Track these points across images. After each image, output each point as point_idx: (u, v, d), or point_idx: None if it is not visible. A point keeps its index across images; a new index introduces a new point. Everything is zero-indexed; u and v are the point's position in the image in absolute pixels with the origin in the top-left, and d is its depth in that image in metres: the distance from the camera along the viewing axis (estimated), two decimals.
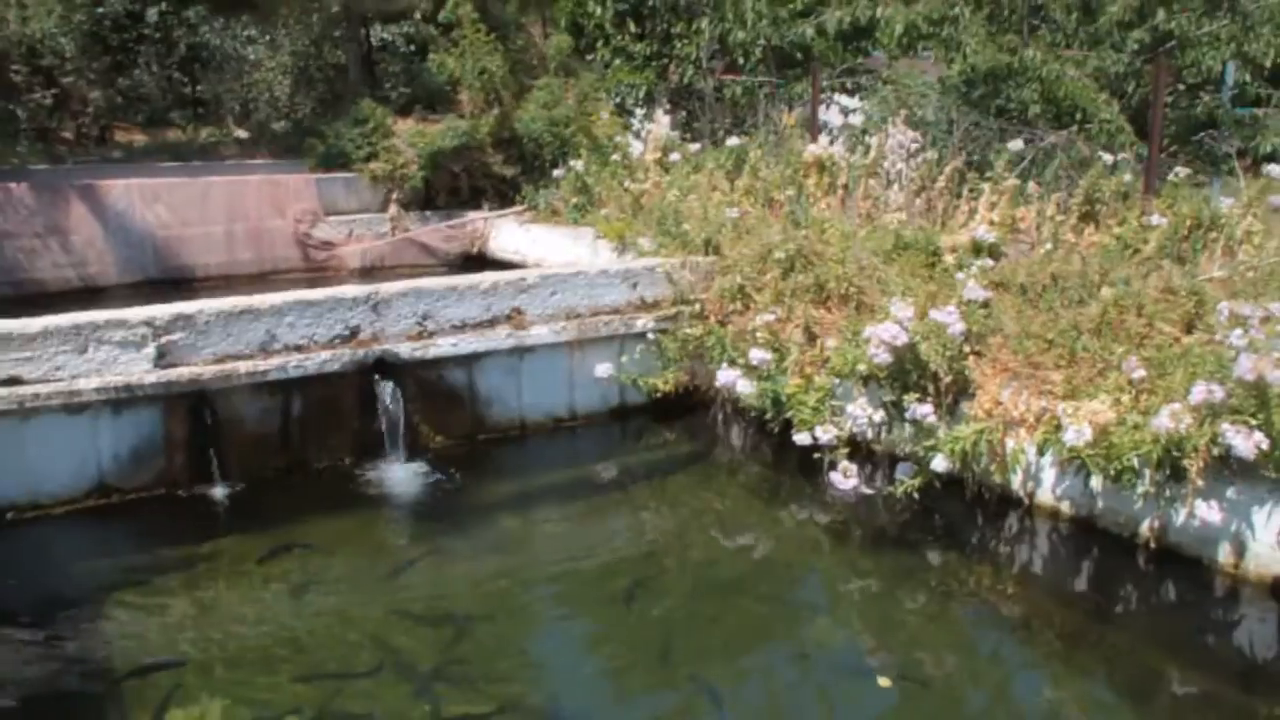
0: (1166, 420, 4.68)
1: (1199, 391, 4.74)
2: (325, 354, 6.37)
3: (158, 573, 5.31)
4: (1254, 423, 4.54)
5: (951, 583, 5.46)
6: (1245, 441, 4.40)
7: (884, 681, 4.43)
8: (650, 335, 7.40)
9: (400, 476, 6.49)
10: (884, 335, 5.72)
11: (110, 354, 5.87)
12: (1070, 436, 5.01)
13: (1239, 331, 4.77)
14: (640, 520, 6.34)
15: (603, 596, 5.30)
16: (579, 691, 4.50)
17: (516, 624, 4.99)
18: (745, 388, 6.46)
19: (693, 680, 4.43)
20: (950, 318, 5.75)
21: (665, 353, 7.40)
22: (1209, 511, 4.70)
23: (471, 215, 10.97)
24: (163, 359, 6.00)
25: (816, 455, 6.21)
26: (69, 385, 5.78)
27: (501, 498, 6.40)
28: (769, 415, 6.76)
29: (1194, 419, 4.75)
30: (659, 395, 7.45)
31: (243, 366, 6.17)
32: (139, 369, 5.94)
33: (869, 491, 6.13)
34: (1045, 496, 5.78)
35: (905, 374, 5.90)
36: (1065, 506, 5.69)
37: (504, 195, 11.50)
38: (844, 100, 11.94)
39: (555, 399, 7.32)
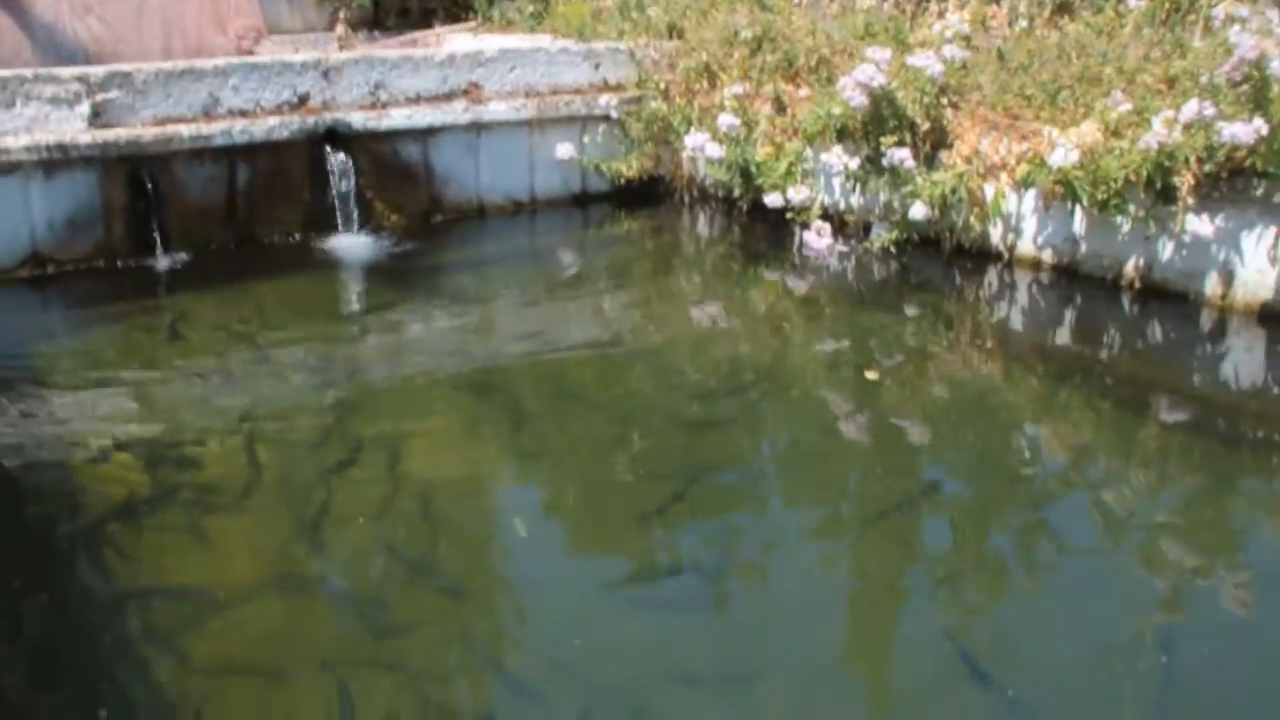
0: (1159, 127, 4.48)
1: (1190, 108, 4.55)
2: (273, 120, 6.02)
3: (95, 347, 5.00)
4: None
5: (929, 337, 5.25)
6: (1244, 128, 4.21)
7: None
8: (614, 116, 7.09)
9: (351, 249, 6.21)
10: (860, 78, 5.48)
11: (41, 110, 5.51)
12: (1057, 156, 4.81)
13: (1237, 28, 4.55)
14: (602, 298, 6.01)
15: (557, 369, 4.82)
16: (513, 463, 4.09)
17: (452, 394, 4.53)
18: (714, 151, 6.21)
19: (654, 456, 3.97)
20: (928, 60, 5.51)
21: (629, 133, 7.10)
22: (1201, 224, 4.52)
23: (422, 31, 10.54)
24: (98, 119, 5.63)
25: (790, 217, 6.00)
26: None
27: (455, 273, 6.12)
28: (737, 191, 6.54)
29: (1186, 134, 4.56)
30: (623, 182, 7.18)
31: (184, 130, 5.82)
32: (73, 128, 5.58)
33: (844, 249, 5.93)
34: (1026, 247, 5.61)
35: (882, 121, 5.66)
36: (1047, 255, 5.53)
37: (456, 16, 11.04)
38: None
39: (515, 181, 7.01)
